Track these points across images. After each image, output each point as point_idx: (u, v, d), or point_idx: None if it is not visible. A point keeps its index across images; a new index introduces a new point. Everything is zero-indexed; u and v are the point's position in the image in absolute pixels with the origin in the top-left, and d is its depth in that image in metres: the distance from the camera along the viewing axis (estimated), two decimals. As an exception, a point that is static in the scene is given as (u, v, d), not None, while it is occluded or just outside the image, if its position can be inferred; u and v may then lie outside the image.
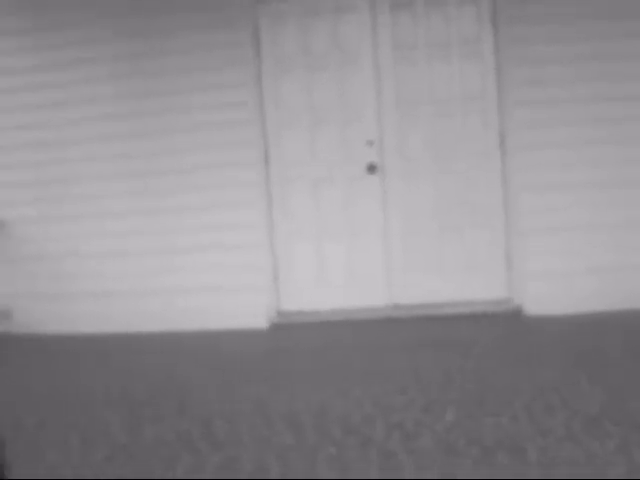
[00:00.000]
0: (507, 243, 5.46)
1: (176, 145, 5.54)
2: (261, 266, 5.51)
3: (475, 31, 5.40)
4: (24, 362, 4.80)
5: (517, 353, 4.31)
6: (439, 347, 4.53)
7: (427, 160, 5.46)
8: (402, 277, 5.53)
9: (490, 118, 5.41)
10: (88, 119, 5.67)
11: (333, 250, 5.59)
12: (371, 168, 5.47)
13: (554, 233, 5.29)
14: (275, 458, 2.83)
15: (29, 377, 4.36)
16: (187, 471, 2.74)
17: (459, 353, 4.34)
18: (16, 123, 5.80)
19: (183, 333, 5.44)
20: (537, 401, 3.39)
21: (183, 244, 5.55)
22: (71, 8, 5.67)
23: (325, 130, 5.55)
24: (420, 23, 5.44)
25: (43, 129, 5.75)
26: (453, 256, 5.50)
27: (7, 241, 5.91)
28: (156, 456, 2.85)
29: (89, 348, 5.15)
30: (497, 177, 5.43)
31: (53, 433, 3.17)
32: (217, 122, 5.49)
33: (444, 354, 4.35)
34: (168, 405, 3.47)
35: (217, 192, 5.51)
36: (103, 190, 5.67)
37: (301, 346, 4.83)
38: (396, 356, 4.39)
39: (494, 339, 4.65)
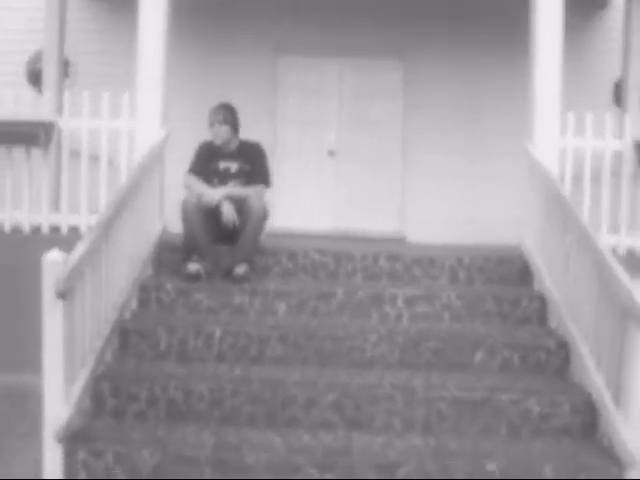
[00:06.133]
0: (401, 201, 9.92)
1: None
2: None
3: (394, 86, 9.93)
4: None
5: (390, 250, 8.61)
6: (359, 245, 8.78)
7: (362, 153, 9.91)
8: (343, 213, 9.92)
9: (397, 134, 9.93)
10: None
11: (306, 194, 9.94)
12: (331, 153, 9.90)
13: (428, 198, 9.76)
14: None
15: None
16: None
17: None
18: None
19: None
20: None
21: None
22: None
23: (304, 131, 9.95)
24: (366, 78, 9.94)
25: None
26: (370, 204, 9.91)
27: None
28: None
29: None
30: (400, 168, 9.92)
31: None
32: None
33: (362, 247, 8.56)
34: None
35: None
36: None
37: (286, 244, 8.88)
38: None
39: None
